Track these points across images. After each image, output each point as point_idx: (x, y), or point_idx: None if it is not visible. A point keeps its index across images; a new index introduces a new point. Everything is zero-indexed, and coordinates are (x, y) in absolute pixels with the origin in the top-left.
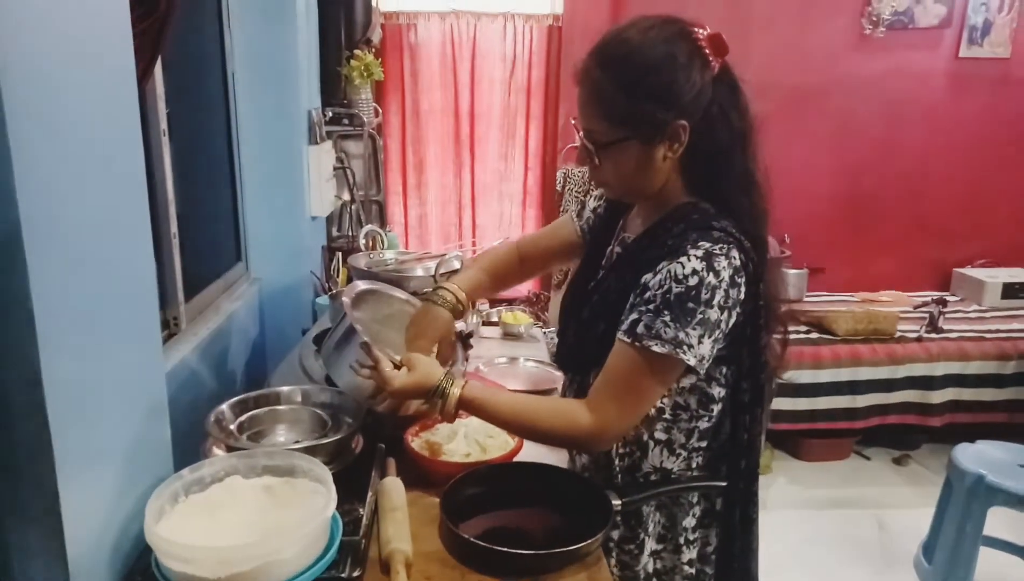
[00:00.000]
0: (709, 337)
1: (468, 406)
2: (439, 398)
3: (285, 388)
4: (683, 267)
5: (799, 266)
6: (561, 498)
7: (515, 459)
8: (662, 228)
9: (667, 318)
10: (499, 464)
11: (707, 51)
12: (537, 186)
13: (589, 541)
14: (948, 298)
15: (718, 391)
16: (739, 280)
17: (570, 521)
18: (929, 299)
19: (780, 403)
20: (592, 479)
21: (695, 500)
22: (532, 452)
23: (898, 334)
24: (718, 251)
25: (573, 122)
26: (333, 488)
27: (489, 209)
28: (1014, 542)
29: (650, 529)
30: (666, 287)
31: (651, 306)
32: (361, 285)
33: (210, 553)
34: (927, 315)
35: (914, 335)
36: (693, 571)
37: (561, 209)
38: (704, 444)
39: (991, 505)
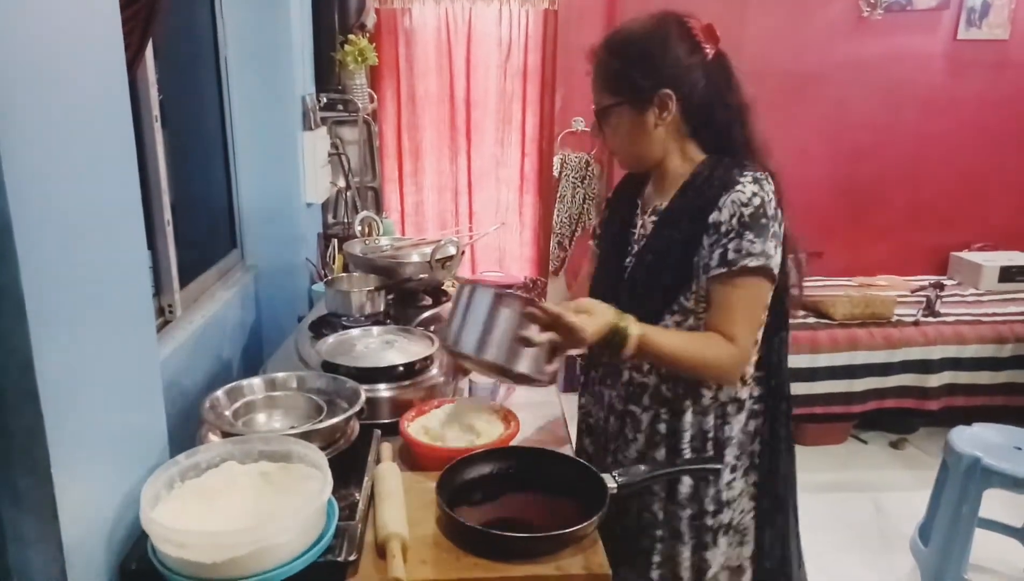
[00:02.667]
0: (778, 247)
1: (646, 344)
2: (619, 337)
3: (280, 374)
4: (743, 193)
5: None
6: (557, 482)
7: (511, 444)
8: (700, 179)
9: (750, 237)
10: (495, 449)
11: (699, 38)
12: (534, 172)
13: (584, 524)
14: (945, 282)
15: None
16: (777, 202)
17: (566, 505)
18: (926, 283)
19: None
20: (587, 463)
21: (759, 426)
22: (527, 439)
23: (895, 318)
24: (761, 176)
25: (594, 108)
26: (329, 473)
27: (486, 195)
28: (1010, 524)
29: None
30: (737, 214)
31: (731, 234)
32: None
33: (206, 538)
34: (924, 299)
35: (911, 319)
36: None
37: (558, 195)
38: (760, 374)
39: (987, 487)
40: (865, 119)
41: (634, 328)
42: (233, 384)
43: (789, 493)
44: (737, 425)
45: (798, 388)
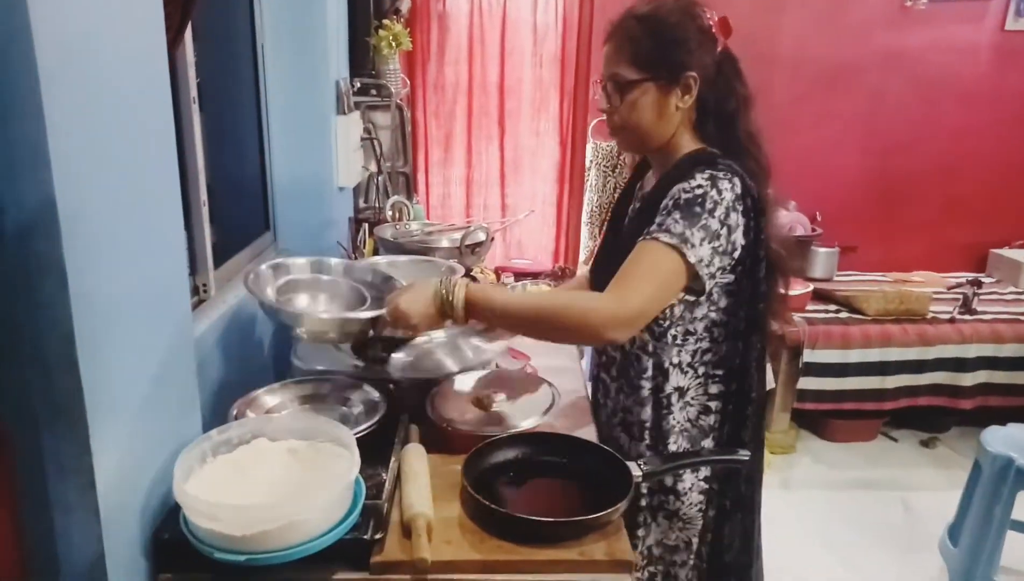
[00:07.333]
0: (708, 243)
1: (476, 304)
2: (447, 299)
3: (334, 260)
4: (691, 183)
5: (830, 244)
6: (582, 468)
7: (537, 431)
8: (675, 170)
9: (676, 217)
10: (521, 434)
11: (714, 29)
12: (567, 161)
13: (609, 511)
14: (984, 279)
15: (720, 317)
16: (739, 206)
17: (591, 491)
18: (963, 280)
19: (807, 382)
20: (613, 451)
21: (716, 424)
22: (553, 426)
23: (930, 315)
24: (722, 176)
25: (595, 80)
26: (356, 452)
27: (518, 184)
28: None
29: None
30: (676, 196)
31: (664, 211)
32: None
33: (236, 511)
34: (961, 296)
35: (947, 316)
36: (706, 486)
37: (588, 184)
38: (720, 372)
39: (1020, 489)
40: (904, 111)
41: (461, 289)
42: (279, 260)
43: (754, 491)
44: (680, 415)
45: (828, 383)
